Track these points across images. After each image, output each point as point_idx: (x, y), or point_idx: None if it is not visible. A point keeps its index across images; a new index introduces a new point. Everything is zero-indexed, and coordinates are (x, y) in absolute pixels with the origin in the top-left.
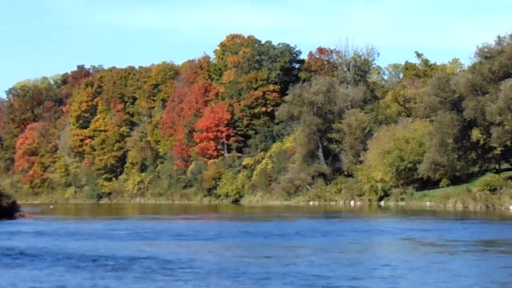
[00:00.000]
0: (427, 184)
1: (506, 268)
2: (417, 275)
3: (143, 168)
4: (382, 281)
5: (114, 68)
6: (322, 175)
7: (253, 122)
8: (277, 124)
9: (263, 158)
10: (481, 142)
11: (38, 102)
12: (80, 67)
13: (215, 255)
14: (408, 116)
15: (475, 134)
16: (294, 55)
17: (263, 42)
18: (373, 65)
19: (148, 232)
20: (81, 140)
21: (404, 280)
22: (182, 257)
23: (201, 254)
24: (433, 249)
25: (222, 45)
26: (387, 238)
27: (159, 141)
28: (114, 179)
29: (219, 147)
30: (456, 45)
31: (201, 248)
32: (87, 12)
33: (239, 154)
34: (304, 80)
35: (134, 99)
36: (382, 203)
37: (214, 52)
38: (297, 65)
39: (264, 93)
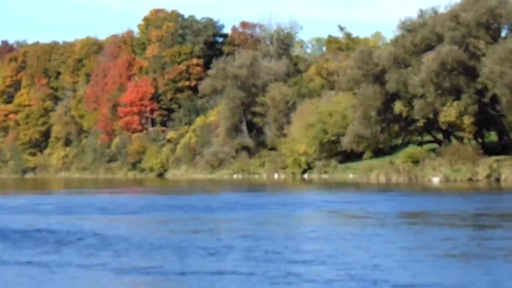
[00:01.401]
0: (350, 156)
1: (446, 240)
2: (361, 247)
3: (67, 143)
4: (327, 254)
5: (38, 43)
6: (246, 148)
7: (177, 96)
8: (201, 98)
9: (187, 132)
10: (404, 114)
11: None
12: (4, 42)
13: (144, 229)
14: (331, 89)
15: (398, 106)
16: (218, 29)
17: (186, 16)
18: (296, 39)
19: (73, 206)
20: (5, 115)
21: (351, 252)
22: (111, 231)
23: (130, 228)
24: (361, 221)
25: (145, 19)
26: (312, 211)
27: (84, 115)
28: (39, 153)
29: (143, 121)
30: (378, 19)
31: (129, 222)
32: None
33: (163, 128)
34: (227, 54)
35: (58, 73)
36: (305, 176)
37: (137, 26)
38: (220, 39)
39: (187, 67)
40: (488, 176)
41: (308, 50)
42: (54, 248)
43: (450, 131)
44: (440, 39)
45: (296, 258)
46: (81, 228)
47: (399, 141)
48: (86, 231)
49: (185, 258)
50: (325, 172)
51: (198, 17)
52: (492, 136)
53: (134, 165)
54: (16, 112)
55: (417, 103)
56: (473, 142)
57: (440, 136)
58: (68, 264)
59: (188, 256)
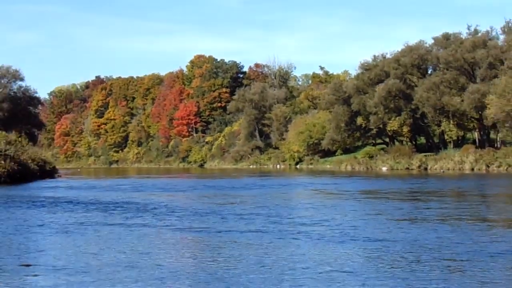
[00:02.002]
0: (327, 153)
1: (396, 209)
2: (339, 214)
3: (139, 144)
4: (317, 218)
5: (120, 77)
6: (258, 148)
7: (212, 113)
8: (228, 114)
9: (219, 137)
10: (363, 125)
11: (69, 100)
12: (97, 77)
13: (192, 201)
14: (315, 108)
15: (359, 120)
16: (239, 68)
17: (218, 60)
18: (292, 75)
19: (143, 186)
20: (98, 126)
21: (333, 217)
22: (170, 203)
23: (182, 200)
24: (336, 196)
25: (191, 62)
26: (302, 189)
27: (150, 126)
28: (120, 151)
29: (189, 129)
30: (346, 61)
31: (181, 197)
32: (104, 39)
33: (203, 134)
34: (246, 85)
35: (133, 98)
36: (298, 166)
37: (186, 66)
38: (241, 75)
39: (219, 94)
40: (419, 166)
41: (299, 82)
42: (132, 214)
43: (394, 136)
44: (387, 75)
45: (296, 221)
46: (149, 201)
47: (360, 143)
48: (153, 203)
49: (222, 221)
50: (311, 164)
51: (226, 60)
52: (422, 140)
53: (183, 159)
54: (105, 124)
55: (372, 118)
56: (409, 143)
57: (387, 139)
58: (143, 226)
59: (223, 220)
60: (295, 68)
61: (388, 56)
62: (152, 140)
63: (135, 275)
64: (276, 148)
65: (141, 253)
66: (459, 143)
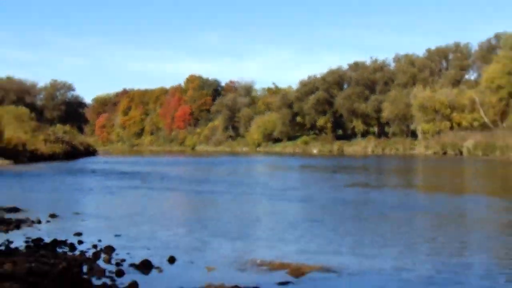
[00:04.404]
0: (277, 140)
1: (336, 180)
2: (288, 180)
3: (152, 133)
4: (275, 185)
5: (139, 89)
6: (231, 136)
7: (201, 113)
8: (212, 114)
9: (205, 129)
10: (301, 122)
11: (105, 104)
12: (124, 89)
13: (186, 171)
14: (269, 111)
15: (298, 119)
16: (218, 83)
17: (204, 78)
18: (253, 88)
19: (155, 161)
20: (124, 121)
21: (285, 183)
22: (170, 173)
23: (179, 170)
24: (284, 168)
25: (187, 79)
26: (261, 164)
27: (159, 122)
28: (139, 138)
29: (185, 124)
30: (290, 79)
31: (179, 168)
32: (129, 62)
33: (194, 127)
34: (223, 95)
35: (148, 103)
36: (257, 149)
37: (183, 82)
38: (220, 88)
39: (205, 101)
40: (338, 149)
41: (259, 93)
42: (145, 180)
43: (321, 129)
44: (317, 89)
45: (257, 187)
46: (160, 171)
47: (299, 134)
48: (159, 173)
49: (202, 184)
50: (266, 147)
51: (210, 78)
52: (340, 132)
53: (181, 144)
54: (129, 120)
55: (307, 117)
56: (331, 134)
57: (317, 131)
58: (151, 188)
59: (203, 183)
60: (255, 83)
61: (318, 76)
62: (160, 131)
63: (144, 220)
64: (243, 136)
65: (151, 207)
66: (364, 134)
